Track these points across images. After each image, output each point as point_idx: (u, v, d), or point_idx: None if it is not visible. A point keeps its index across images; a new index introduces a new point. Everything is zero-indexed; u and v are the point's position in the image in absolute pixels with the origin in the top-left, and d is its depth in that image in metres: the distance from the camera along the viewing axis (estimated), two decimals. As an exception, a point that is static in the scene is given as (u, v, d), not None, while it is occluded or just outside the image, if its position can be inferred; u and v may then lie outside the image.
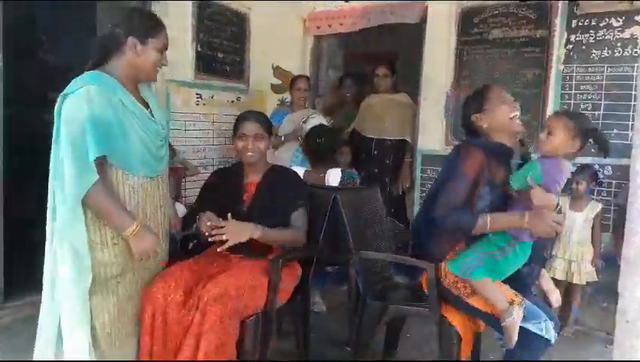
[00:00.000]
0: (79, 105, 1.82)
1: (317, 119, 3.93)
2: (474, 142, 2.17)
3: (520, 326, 2.01)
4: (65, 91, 1.88)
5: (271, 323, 2.28)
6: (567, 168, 2.05)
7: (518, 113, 2.17)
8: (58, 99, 1.89)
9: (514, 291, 2.08)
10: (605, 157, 2.15)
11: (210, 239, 2.21)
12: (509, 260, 2.07)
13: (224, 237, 2.16)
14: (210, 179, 2.69)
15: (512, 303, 2.01)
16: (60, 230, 1.87)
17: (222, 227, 2.18)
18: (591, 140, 2.08)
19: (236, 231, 2.20)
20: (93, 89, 1.85)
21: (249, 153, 2.47)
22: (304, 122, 3.95)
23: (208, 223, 2.21)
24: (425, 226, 2.18)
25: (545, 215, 1.95)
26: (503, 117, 2.14)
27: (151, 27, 2.00)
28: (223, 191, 2.52)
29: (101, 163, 1.87)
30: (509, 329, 2.01)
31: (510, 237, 2.05)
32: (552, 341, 2.06)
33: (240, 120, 2.55)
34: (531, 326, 2.03)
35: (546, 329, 2.04)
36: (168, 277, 2.13)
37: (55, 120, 1.89)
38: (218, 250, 2.21)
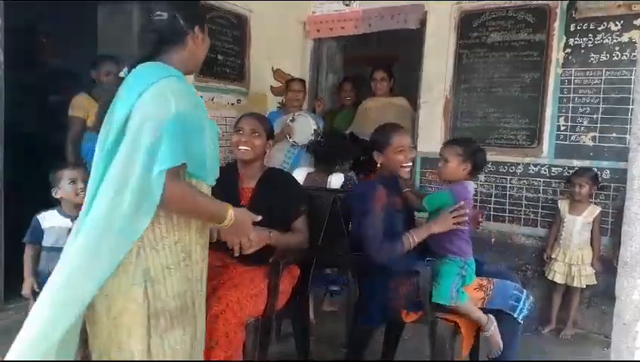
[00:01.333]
0: (165, 100, 1.49)
1: (305, 118, 3.94)
2: (374, 181, 2.48)
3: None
4: (139, 82, 1.54)
5: (270, 325, 2.28)
6: (472, 187, 2.45)
7: (410, 164, 2.50)
8: (125, 92, 1.56)
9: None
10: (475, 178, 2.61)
11: (236, 249, 2.04)
12: (469, 275, 2.35)
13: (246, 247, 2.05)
14: None
15: (481, 288, 2.33)
16: (120, 231, 1.49)
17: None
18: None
19: (258, 240, 2.12)
20: (178, 80, 1.57)
21: (242, 147, 2.41)
22: (292, 121, 3.96)
23: None
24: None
25: (446, 217, 2.32)
26: (396, 164, 2.45)
27: (204, 14, 1.80)
28: (217, 196, 2.36)
29: (177, 170, 1.51)
30: (492, 338, 2.28)
31: (461, 258, 2.35)
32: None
33: (240, 117, 2.54)
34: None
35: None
36: None
37: (122, 114, 1.54)
38: (235, 254, 2.03)
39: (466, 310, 2.27)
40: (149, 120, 1.47)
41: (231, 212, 1.67)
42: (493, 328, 2.27)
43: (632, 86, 3.40)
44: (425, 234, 2.35)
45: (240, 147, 2.41)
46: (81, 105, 3.47)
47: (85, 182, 2.30)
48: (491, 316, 2.29)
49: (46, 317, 1.46)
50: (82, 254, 1.50)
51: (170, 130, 1.47)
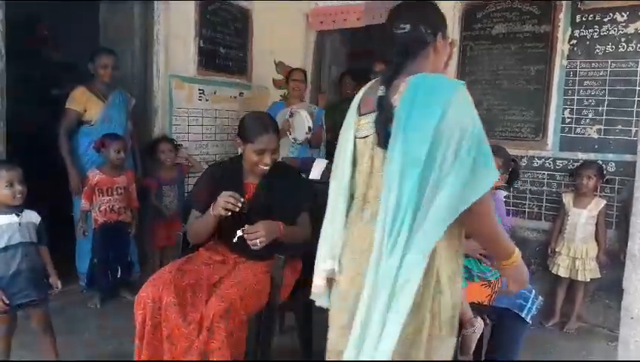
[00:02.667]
0: (471, 110, 1.41)
1: (299, 115, 3.91)
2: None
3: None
4: (437, 94, 1.40)
5: (273, 320, 2.28)
6: (502, 195, 2.47)
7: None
8: (421, 106, 1.40)
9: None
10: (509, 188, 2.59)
11: (250, 243, 2.15)
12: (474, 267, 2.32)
13: (259, 241, 2.13)
14: (208, 175, 2.49)
15: (488, 284, 2.29)
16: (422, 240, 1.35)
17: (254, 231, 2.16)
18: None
19: (269, 231, 2.17)
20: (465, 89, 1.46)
21: (265, 167, 2.31)
22: (290, 116, 3.94)
23: (243, 230, 2.17)
24: None
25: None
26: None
27: (444, 19, 1.65)
28: (222, 190, 2.29)
29: None
30: (468, 339, 2.14)
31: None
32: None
33: (257, 129, 2.28)
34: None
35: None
36: (157, 280, 2.07)
37: (430, 125, 1.37)
38: (253, 247, 2.15)
39: (464, 297, 2.17)
40: (464, 131, 1.35)
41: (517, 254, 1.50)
42: (473, 331, 2.14)
43: (637, 78, 3.37)
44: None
45: (263, 168, 2.32)
46: (79, 99, 3.44)
47: (21, 183, 2.24)
48: (481, 322, 2.18)
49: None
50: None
51: (482, 143, 1.37)
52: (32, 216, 2.35)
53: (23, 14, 3.92)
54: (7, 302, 2.21)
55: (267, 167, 2.31)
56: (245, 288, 2.09)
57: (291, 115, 3.92)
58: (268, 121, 2.37)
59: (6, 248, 2.23)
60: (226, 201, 2.15)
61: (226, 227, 2.29)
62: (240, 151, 2.37)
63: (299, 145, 3.99)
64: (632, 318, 1.45)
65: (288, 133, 3.90)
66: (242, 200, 2.19)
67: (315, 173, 3.18)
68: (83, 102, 3.45)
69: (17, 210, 2.28)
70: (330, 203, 1.62)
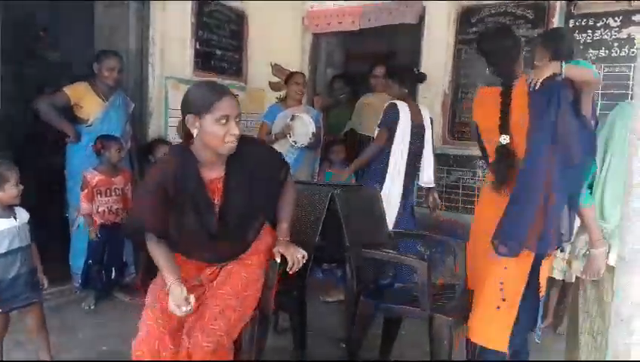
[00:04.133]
0: None
1: (302, 119, 3.92)
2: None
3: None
4: None
5: (267, 322, 2.28)
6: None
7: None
8: None
9: None
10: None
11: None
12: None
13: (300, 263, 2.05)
14: (154, 181, 1.90)
15: None
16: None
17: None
18: None
19: (294, 252, 2.06)
20: None
21: (234, 140, 1.86)
22: (291, 120, 3.94)
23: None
24: None
25: None
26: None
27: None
28: (179, 197, 1.89)
29: None
30: (598, 257, 2.09)
31: None
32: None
33: (212, 94, 1.85)
34: None
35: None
36: (151, 336, 1.86)
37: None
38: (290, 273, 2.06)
39: (590, 216, 2.10)
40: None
41: None
42: (602, 250, 2.09)
43: (630, 82, 3.40)
44: None
45: (231, 143, 1.87)
46: (78, 91, 3.43)
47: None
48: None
49: None
50: None
51: None
52: (23, 215, 2.33)
53: (18, 15, 3.91)
54: (1, 309, 2.22)
55: (236, 139, 1.86)
56: (233, 310, 1.94)
57: (292, 118, 3.93)
58: (219, 86, 1.96)
59: (6, 253, 2.21)
60: (177, 306, 1.81)
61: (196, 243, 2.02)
62: (194, 132, 1.86)
63: (298, 149, 3.99)
64: (621, 321, 1.47)
65: (289, 135, 3.91)
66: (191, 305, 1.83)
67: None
68: (80, 95, 3.43)
69: (12, 211, 2.26)
70: None
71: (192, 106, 1.87)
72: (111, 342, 2.89)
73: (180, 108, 1.92)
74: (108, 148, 3.30)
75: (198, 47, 4.14)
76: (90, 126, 3.47)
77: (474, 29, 3.95)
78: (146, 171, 3.74)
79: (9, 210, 2.26)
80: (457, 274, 2.75)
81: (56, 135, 3.55)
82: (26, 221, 2.34)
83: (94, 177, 3.30)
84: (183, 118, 1.90)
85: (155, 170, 2.02)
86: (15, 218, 2.26)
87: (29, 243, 2.31)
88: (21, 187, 2.25)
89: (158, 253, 1.94)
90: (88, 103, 3.46)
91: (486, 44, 2.31)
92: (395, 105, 3.44)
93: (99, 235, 3.31)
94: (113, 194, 3.36)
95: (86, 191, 3.27)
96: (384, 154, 3.50)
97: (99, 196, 3.32)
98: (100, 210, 3.32)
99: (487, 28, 2.78)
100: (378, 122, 3.51)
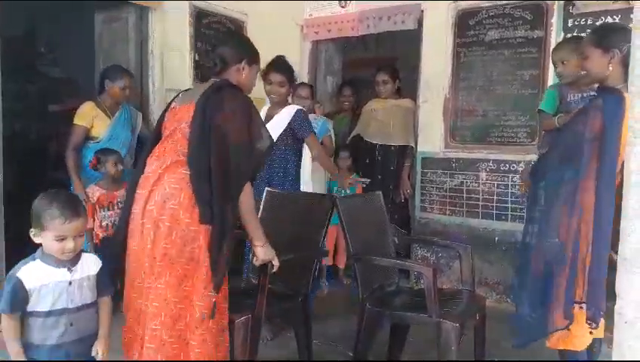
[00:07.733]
0: None
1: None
2: None
3: None
4: None
5: (259, 324, 2.26)
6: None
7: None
8: None
9: None
10: None
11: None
12: None
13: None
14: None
15: None
16: None
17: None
18: None
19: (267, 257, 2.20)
20: None
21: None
22: None
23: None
24: None
25: None
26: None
27: None
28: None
29: None
30: None
31: None
32: None
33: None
34: None
35: None
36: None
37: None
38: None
39: None
40: None
41: None
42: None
43: (628, 82, 3.37)
44: None
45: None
46: (87, 115, 3.43)
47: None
48: None
49: None
50: None
51: None
52: (91, 266, 1.88)
53: (18, 29, 3.95)
54: None
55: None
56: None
57: None
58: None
59: (49, 313, 1.77)
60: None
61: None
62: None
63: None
64: (625, 322, 1.45)
65: None
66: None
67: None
68: (91, 118, 3.44)
69: (71, 260, 1.82)
70: None
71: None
72: (112, 353, 2.87)
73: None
74: (104, 163, 3.29)
75: (197, 58, 4.15)
76: (98, 143, 3.46)
77: (472, 32, 3.94)
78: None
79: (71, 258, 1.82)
80: (463, 279, 2.73)
81: (61, 151, 3.56)
82: (93, 273, 1.88)
83: (96, 193, 3.30)
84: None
85: None
86: (70, 270, 1.81)
87: (85, 304, 1.85)
88: (73, 242, 1.77)
89: None
90: (97, 123, 3.46)
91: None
92: None
93: (99, 250, 3.29)
94: (116, 207, 3.36)
95: (88, 206, 3.27)
96: None
97: (101, 211, 3.32)
98: (103, 224, 3.32)
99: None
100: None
